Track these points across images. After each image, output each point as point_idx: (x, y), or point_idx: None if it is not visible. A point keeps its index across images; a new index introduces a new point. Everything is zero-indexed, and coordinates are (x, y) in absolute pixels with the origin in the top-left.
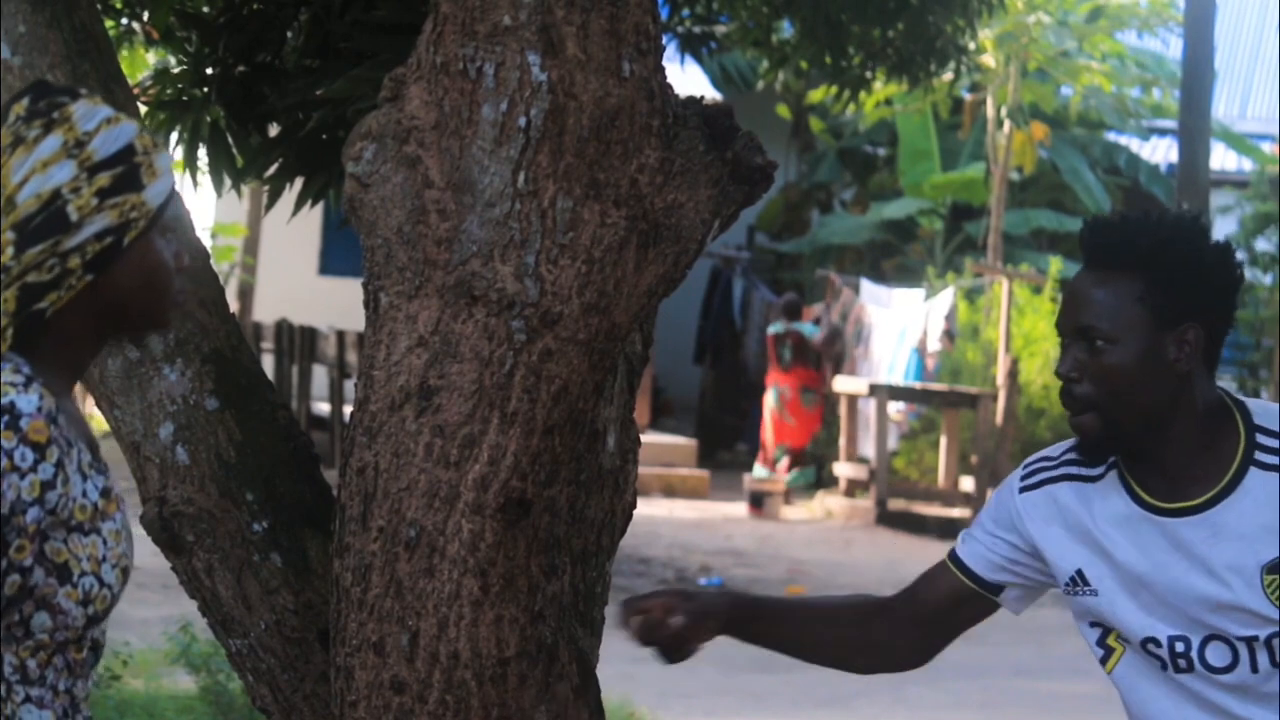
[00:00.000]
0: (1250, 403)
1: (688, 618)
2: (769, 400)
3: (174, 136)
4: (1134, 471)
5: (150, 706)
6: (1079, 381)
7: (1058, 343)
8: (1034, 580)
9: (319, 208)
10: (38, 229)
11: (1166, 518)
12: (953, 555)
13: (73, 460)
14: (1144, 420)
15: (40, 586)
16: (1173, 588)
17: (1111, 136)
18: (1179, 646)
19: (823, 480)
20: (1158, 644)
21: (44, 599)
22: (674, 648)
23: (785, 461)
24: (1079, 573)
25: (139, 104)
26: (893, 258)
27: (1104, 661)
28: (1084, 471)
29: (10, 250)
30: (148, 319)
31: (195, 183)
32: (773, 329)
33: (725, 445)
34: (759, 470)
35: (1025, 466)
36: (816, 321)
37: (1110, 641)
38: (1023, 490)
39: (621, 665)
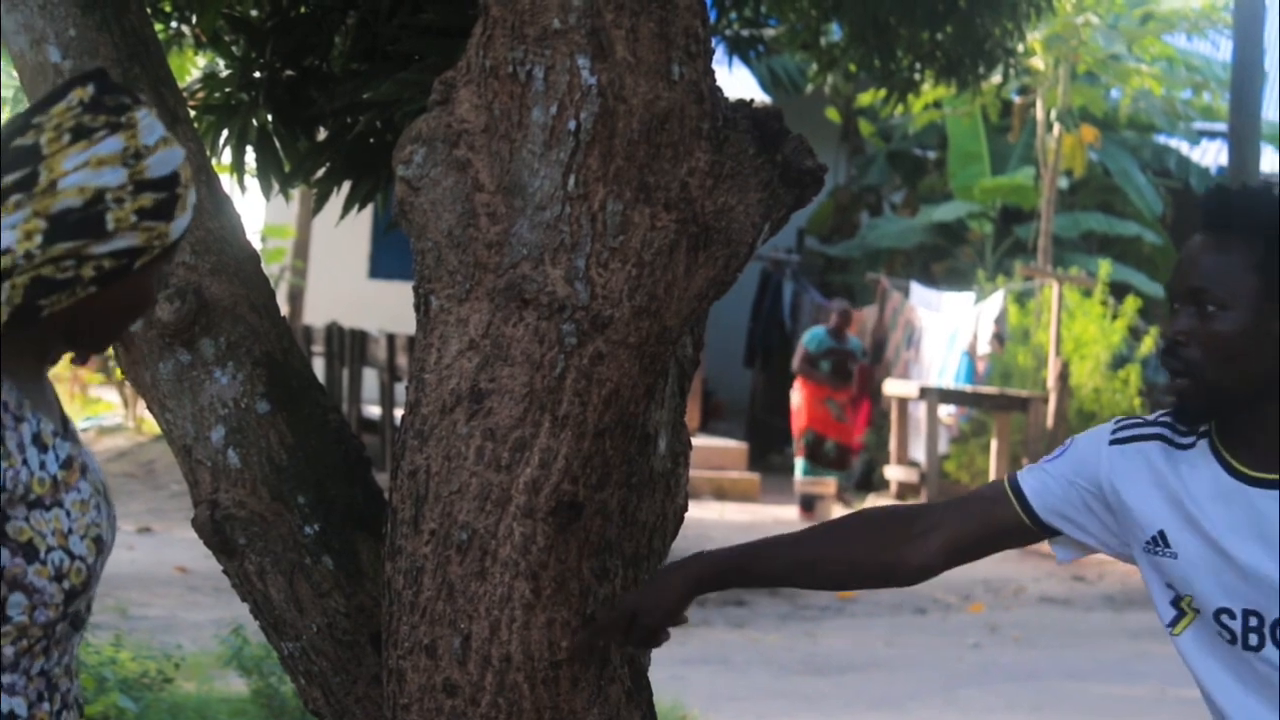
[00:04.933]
0: None
1: (651, 617)
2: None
3: (222, 140)
4: (1226, 441)
5: (202, 709)
6: (1186, 345)
7: (1108, 345)
8: (1092, 536)
9: (368, 211)
10: (73, 226)
11: (1256, 488)
12: (1015, 487)
13: (23, 434)
14: (1244, 388)
15: (8, 567)
16: (1251, 562)
17: (1161, 139)
18: (1252, 622)
19: (872, 483)
20: (1231, 616)
21: (15, 579)
22: (648, 641)
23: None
24: (1160, 533)
25: (188, 107)
26: (943, 261)
27: (1172, 625)
28: (1176, 438)
29: (39, 239)
30: (107, 338)
31: (242, 186)
32: (815, 343)
33: (776, 448)
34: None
35: (1117, 422)
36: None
37: (1183, 605)
38: (1113, 442)
39: (673, 668)
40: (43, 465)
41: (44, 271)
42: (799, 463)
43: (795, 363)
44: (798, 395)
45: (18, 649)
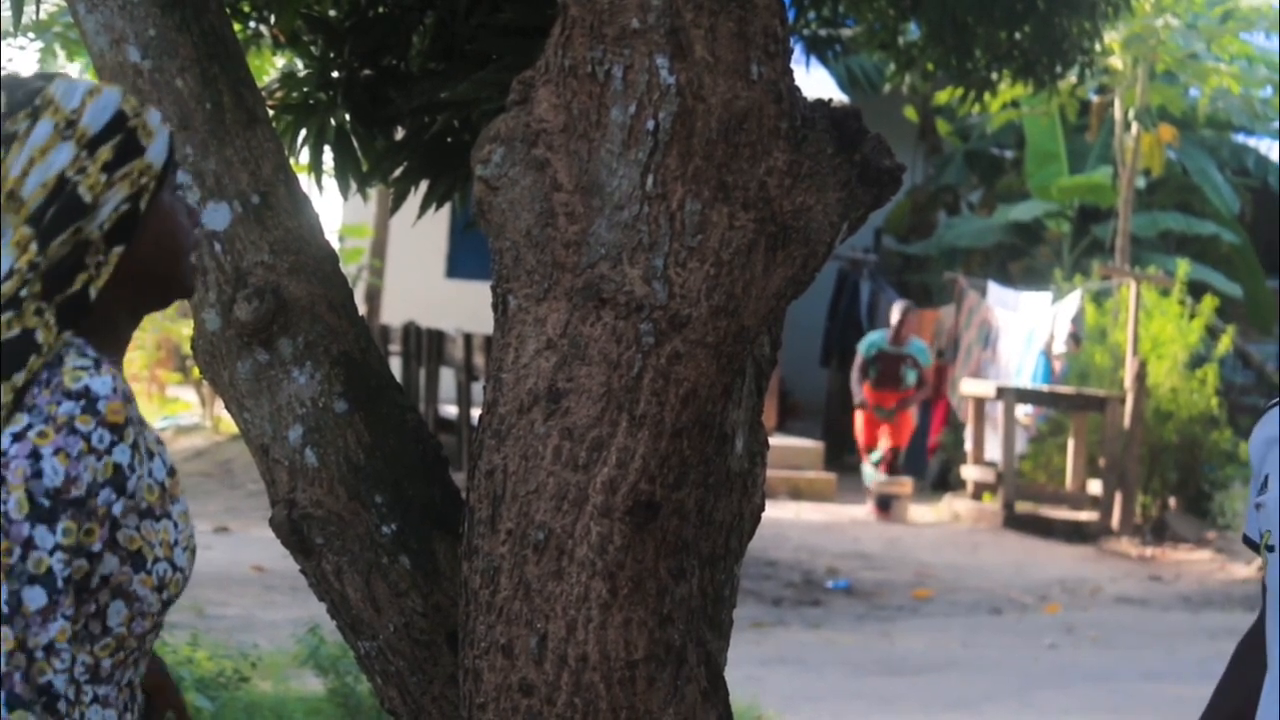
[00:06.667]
0: None
1: None
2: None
3: (300, 139)
4: None
5: (279, 709)
6: None
7: (1185, 344)
8: None
9: (446, 210)
10: (55, 218)
11: None
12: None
13: (143, 441)
14: None
15: (115, 575)
16: None
17: (1240, 138)
18: None
19: (949, 483)
20: None
21: (119, 587)
22: None
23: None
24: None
25: (266, 107)
26: (1020, 260)
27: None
28: None
29: (34, 247)
30: (170, 284)
31: (320, 186)
32: (866, 348)
33: (852, 448)
34: (868, 471)
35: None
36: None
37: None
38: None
39: (749, 668)
40: (151, 473)
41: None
42: (866, 469)
43: (855, 374)
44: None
45: (114, 660)
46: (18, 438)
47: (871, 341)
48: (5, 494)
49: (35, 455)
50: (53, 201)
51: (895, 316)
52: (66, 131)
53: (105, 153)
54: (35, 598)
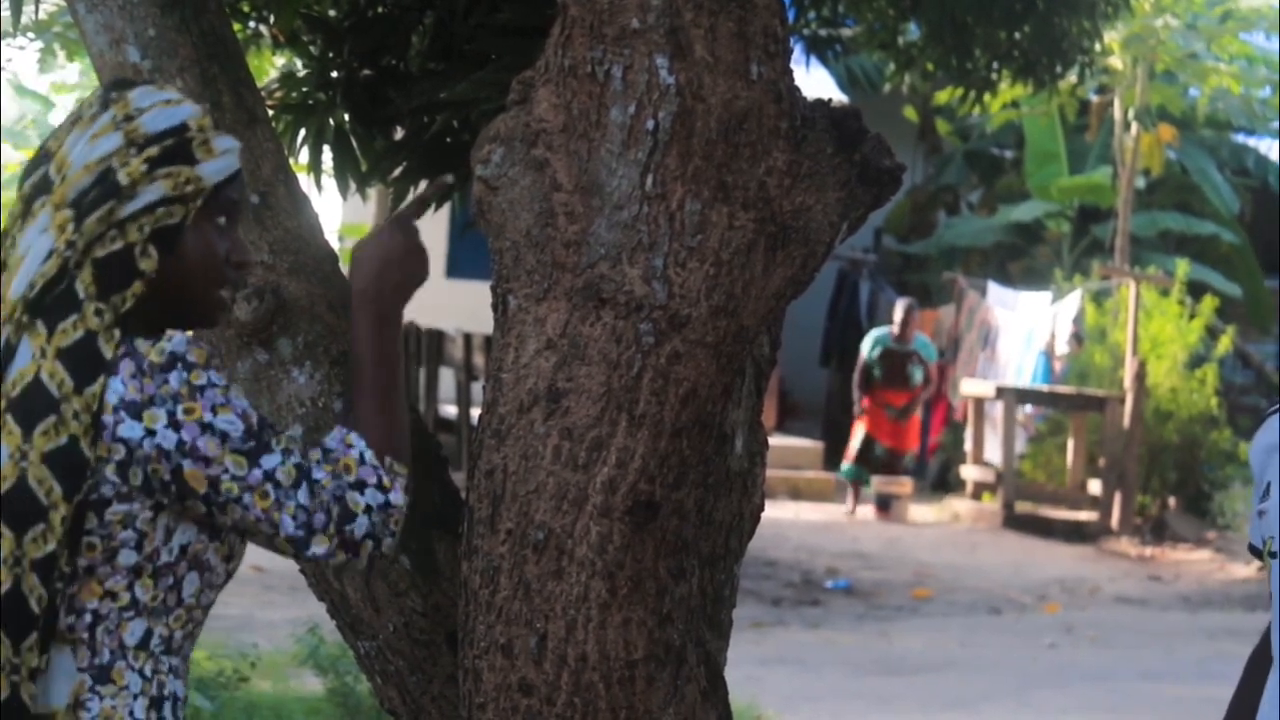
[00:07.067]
0: None
1: None
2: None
3: (299, 139)
4: None
5: (278, 708)
6: None
7: (1185, 344)
8: None
9: (445, 210)
10: (92, 199)
11: None
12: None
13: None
14: None
15: (193, 544)
16: None
17: (1240, 138)
18: None
19: (948, 484)
20: None
21: (196, 557)
22: None
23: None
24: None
25: (266, 107)
26: (1020, 260)
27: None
28: None
29: (70, 227)
30: (194, 310)
31: (320, 186)
32: (870, 347)
33: None
34: (847, 468)
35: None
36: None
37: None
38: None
39: (749, 668)
40: None
41: (96, 253)
42: (845, 468)
43: (856, 378)
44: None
45: (184, 633)
46: (174, 427)
47: (877, 338)
48: (218, 468)
49: (205, 426)
50: (94, 185)
51: (899, 314)
52: (122, 123)
53: (152, 150)
54: (304, 495)
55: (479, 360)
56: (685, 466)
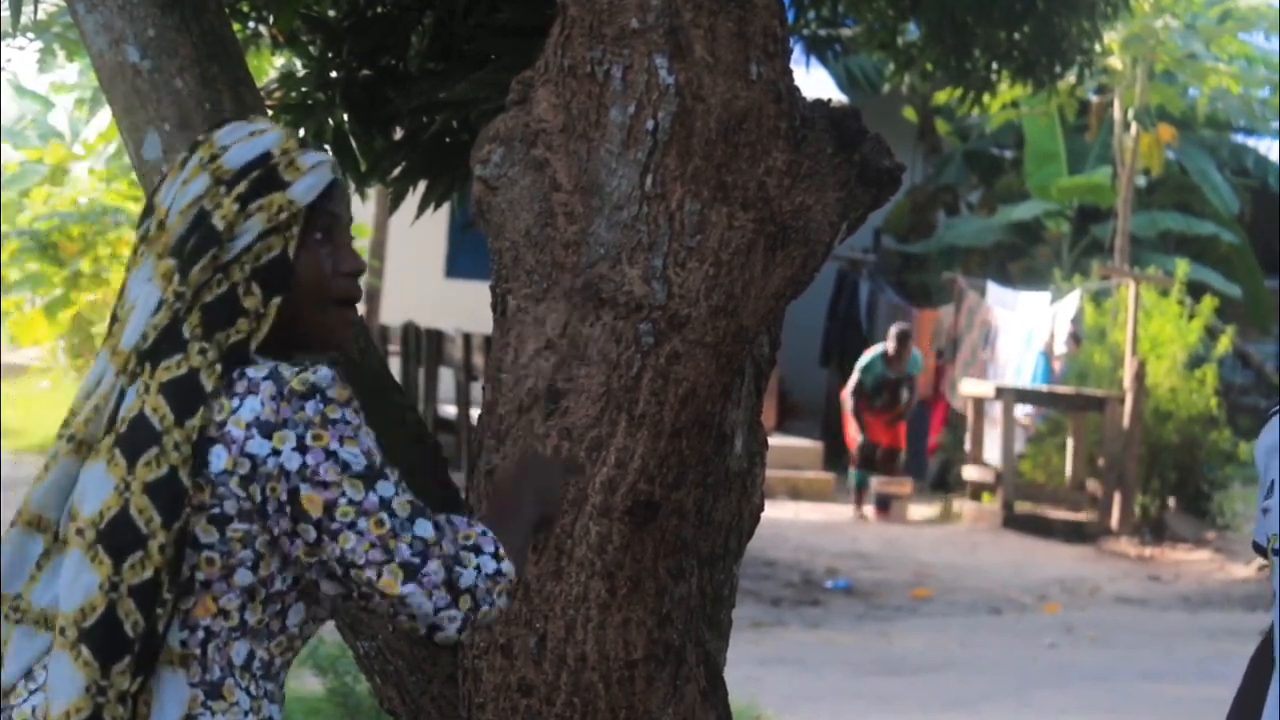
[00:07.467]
0: None
1: None
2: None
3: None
4: None
5: None
6: None
7: (1184, 345)
8: None
9: (445, 210)
10: (194, 247)
11: None
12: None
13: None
14: None
15: (304, 577)
16: None
17: (1239, 138)
18: None
19: (948, 484)
20: None
21: (306, 589)
22: None
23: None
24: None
25: (265, 107)
26: (1019, 260)
27: None
28: None
29: (176, 278)
30: (313, 337)
31: None
32: (871, 377)
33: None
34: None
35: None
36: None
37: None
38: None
39: (748, 668)
40: None
41: (204, 298)
42: (853, 473)
43: (848, 394)
44: (854, 420)
45: (283, 660)
46: (301, 450)
47: (870, 365)
48: (335, 491)
49: (329, 454)
50: (192, 231)
51: (893, 344)
52: (208, 164)
53: (241, 187)
54: (423, 529)
55: (478, 360)
56: (685, 466)
